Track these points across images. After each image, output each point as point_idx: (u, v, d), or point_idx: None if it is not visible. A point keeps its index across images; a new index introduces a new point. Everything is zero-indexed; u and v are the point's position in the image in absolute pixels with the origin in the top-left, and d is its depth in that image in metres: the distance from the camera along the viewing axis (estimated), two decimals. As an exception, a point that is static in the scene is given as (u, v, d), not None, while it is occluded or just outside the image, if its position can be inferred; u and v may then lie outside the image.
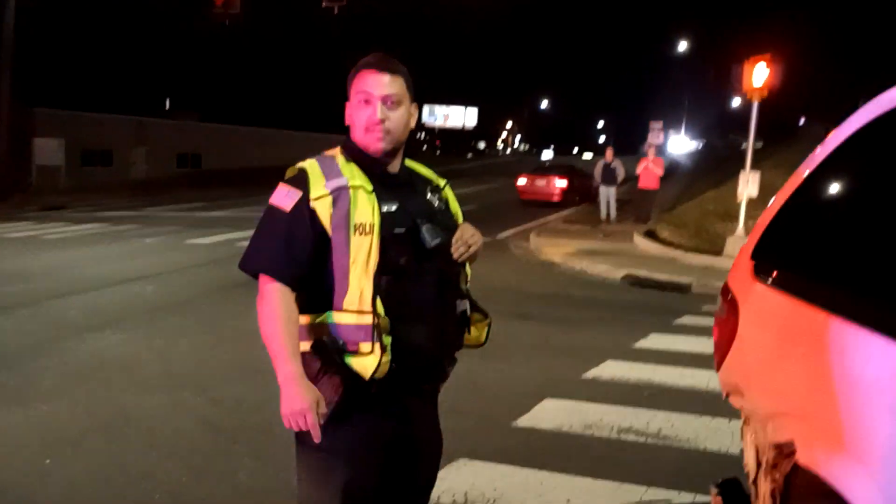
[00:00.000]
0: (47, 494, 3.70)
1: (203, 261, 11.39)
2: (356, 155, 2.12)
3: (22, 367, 5.76)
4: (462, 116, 68.81)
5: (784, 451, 2.12)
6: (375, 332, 1.98)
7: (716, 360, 2.53)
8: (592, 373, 5.69)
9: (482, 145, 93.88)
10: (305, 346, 2.07)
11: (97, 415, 4.74)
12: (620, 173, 18.25)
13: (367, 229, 2.00)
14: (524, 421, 4.64)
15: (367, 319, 1.98)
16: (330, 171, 2.07)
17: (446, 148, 71.89)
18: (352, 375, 2.00)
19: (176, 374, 5.64)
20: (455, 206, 2.32)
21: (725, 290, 2.51)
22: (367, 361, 1.99)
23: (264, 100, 49.39)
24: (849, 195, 2.17)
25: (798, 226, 2.30)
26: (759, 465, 2.36)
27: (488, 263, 11.76)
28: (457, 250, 2.10)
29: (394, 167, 2.17)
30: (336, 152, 2.16)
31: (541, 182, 24.37)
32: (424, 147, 68.79)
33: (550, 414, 4.76)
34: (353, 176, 2.06)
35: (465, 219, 2.31)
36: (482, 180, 39.03)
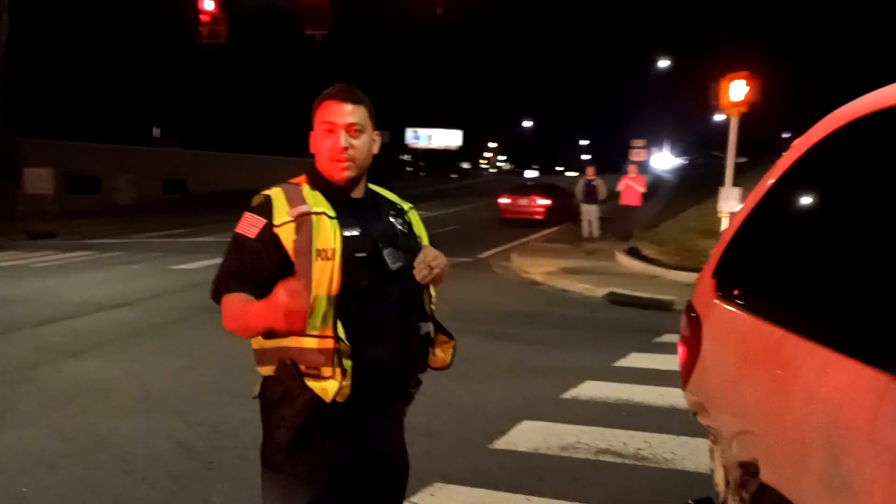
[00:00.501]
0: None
1: (184, 286, 11.35)
2: (320, 182, 2.17)
3: (0, 392, 5.73)
4: (446, 138, 69.19)
5: (749, 469, 2.13)
6: (336, 356, 2.01)
7: (681, 379, 2.54)
8: (571, 393, 5.68)
9: (466, 166, 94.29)
10: (269, 370, 2.10)
11: (74, 439, 4.72)
12: (602, 191, 18.33)
13: (329, 254, 2.04)
14: (500, 443, 4.62)
15: (329, 343, 2.01)
16: (294, 199, 2.11)
17: (431, 169, 72.14)
18: (314, 398, 2.01)
19: (153, 397, 5.62)
20: (419, 230, 2.35)
21: (689, 309, 2.53)
22: (328, 385, 2.01)
23: (247, 126, 49.75)
24: (805, 212, 2.19)
25: (757, 243, 2.32)
26: (727, 484, 2.38)
27: (468, 283, 11.75)
28: (419, 273, 2.12)
29: (357, 192, 2.21)
30: (301, 180, 2.20)
31: (523, 201, 24.40)
32: (409, 169, 68.96)
33: (527, 435, 4.74)
34: (316, 203, 2.11)
35: (434, 241, 2.34)
36: (465, 200, 39.16)
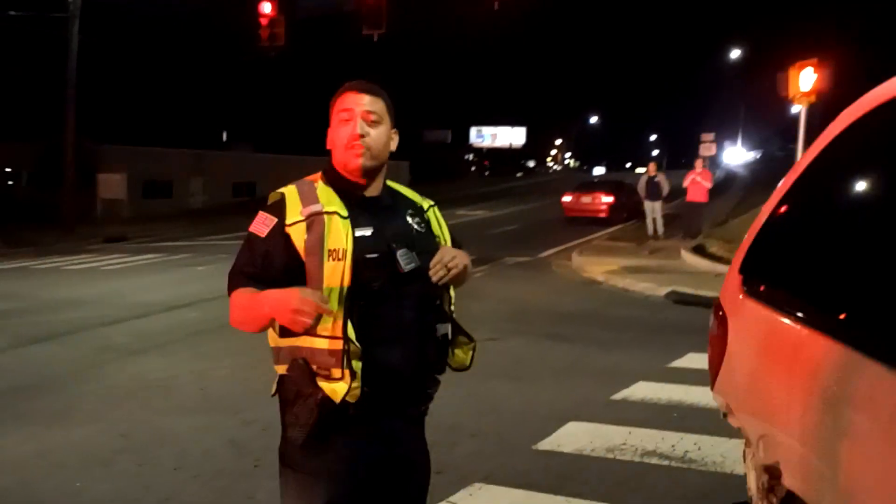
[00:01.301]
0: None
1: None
2: (335, 179, 2.15)
3: (66, 390, 5.99)
4: (510, 136, 68.74)
5: (774, 474, 2.05)
6: (345, 357, 1.99)
7: (710, 379, 2.46)
8: (622, 394, 5.57)
9: (531, 164, 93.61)
10: (282, 368, 2.10)
11: (132, 437, 4.88)
12: (664, 187, 17.96)
13: (340, 255, 2.01)
14: (545, 444, 4.56)
15: (338, 345, 1.99)
16: (307, 197, 2.09)
17: (495, 168, 71.90)
18: (326, 398, 2.01)
19: (211, 396, 5.76)
20: (439, 229, 2.30)
21: (717, 307, 2.45)
22: (337, 386, 1.99)
23: (313, 128, 50.66)
24: (832, 206, 2.09)
25: (784, 238, 2.23)
26: (759, 488, 2.29)
27: (527, 283, 11.67)
28: (435, 274, 2.07)
29: (373, 190, 2.18)
30: (317, 177, 2.19)
31: (586, 199, 23.95)
32: (473, 168, 68.93)
33: (573, 437, 4.67)
34: (329, 202, 2.08)
35: (455, 240, 2.30)
36: (529, 199, 38.90)
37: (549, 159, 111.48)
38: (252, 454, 4.52)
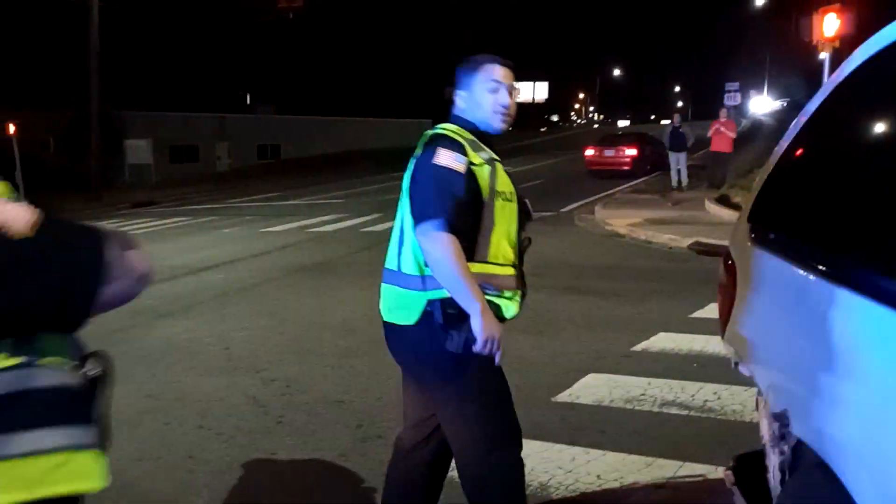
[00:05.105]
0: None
1: (274, 248, 11.72)
2: (479, 134, 2.45)
3: (94, 353, 6.08)
4: (532, 90, 67.82)
5: (783, 422, 2.04)
6: (518, 280, 2.42)
7: (720, 328, 2.45)
8: (642, 345, 5.57)
9: (555, 118, 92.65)
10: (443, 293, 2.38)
11: (157, 397, 4.95)
12: (689, 138, 17.71)
13: (509, 196, 2.38)
14: (563, 396, 4.59)
15: (511, 271, 2.38)
16: (475, 146, 2.38)
17: (518, 123, 71.38)
18: (497, 316, 2.32)
19: (235, 356, 5.83)
20: None
21: (726, 256, 2.42)
22: (510, 304, 2.39)
23: (336, 89, 50.48)
24: (841, 150, 2.03)
25: (790, 186, 2.18)
26: (771, 436, 2.28)
27: (549, 238, 11.62)
28: None
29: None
30: (457, 130, 2.42)
31: (609, 152, 23.71)
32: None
33: (592, 389, 4.69)
34: (489, 151, 2.42)
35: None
36: (553, 154, 38.60)
37: (573, 114, 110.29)
38: (274, 412, 4.58)
